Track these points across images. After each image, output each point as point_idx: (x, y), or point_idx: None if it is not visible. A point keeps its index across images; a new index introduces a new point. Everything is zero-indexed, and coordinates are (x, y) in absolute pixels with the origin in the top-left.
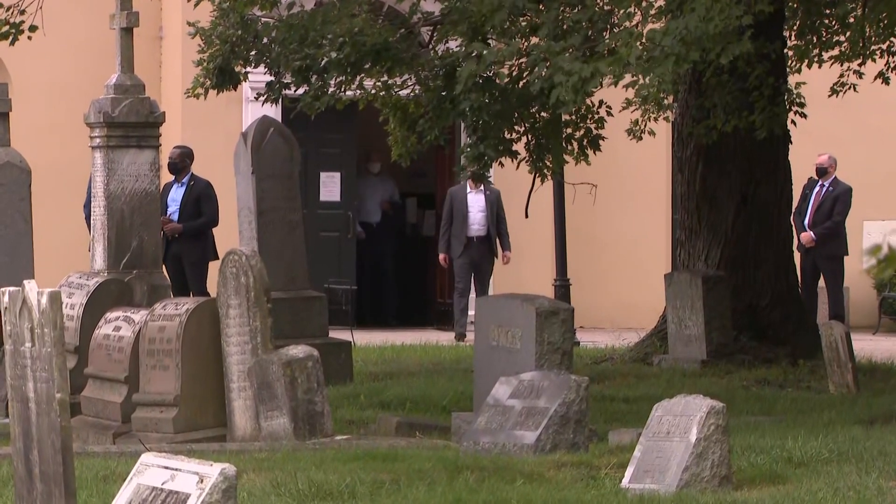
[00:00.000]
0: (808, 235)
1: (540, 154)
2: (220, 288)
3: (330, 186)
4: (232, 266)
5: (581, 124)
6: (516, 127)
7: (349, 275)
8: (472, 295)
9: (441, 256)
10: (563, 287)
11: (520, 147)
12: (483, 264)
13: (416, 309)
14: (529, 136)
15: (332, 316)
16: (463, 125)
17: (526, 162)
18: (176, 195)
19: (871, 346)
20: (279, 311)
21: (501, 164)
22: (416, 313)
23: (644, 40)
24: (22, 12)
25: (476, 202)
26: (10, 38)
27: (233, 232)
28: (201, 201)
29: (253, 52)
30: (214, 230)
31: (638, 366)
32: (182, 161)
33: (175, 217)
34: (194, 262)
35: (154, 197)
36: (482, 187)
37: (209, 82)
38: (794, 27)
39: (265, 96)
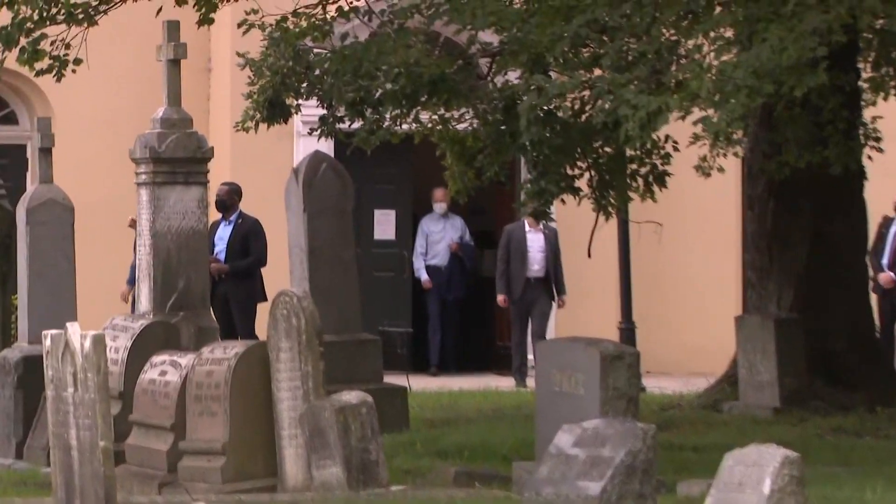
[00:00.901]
0: (887, 276)
1: (603, 191)
2: (271, 331)
3: (384, 224)
4: (283, 308)
5: (646, 160)
6: (579, 162)
7: (404, 317)
8: (529, 339)
9: (500, 298)
10: (628, 330)
11: (582, 183)
12: (542, 306)
13: (475, 352)
14: (592, 172)
15: (387, 360)
16: (523, 160)
17: (588, 199)
18: (223, 233)
19: None
20: (332, 354)
21: (563, 202)
22: (475, 357)
23: (714, 73)
24: (67, 45)
25: (535, 241)
26: (55, 71)
27: (283, 272)
28: (249, 240)
29: (305, 84)
30: (263, 270)
31: (707, 413)
32: (230, 198)
33: (222, 257)
34: (241, 303)
35: (202, 235)
36: (541, 225)
37: (259, 115)
38: (870, 59)
39: (318, 130)
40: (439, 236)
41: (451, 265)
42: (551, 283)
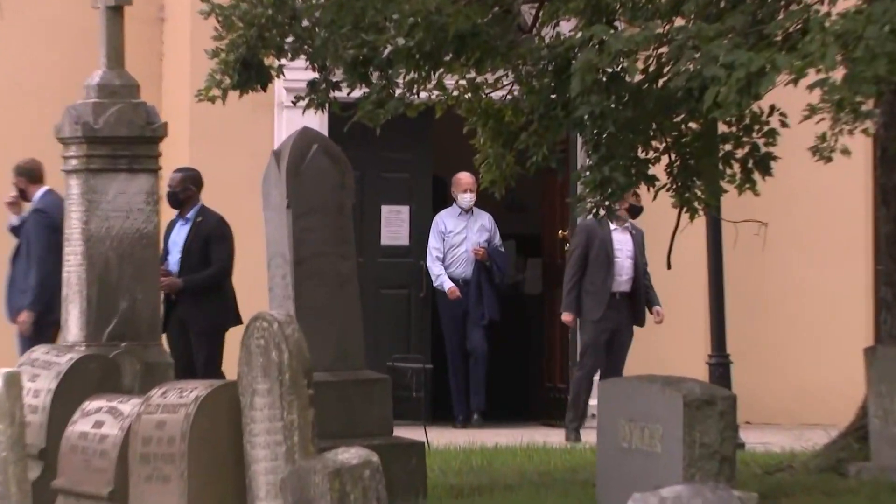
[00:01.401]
0: None
1: (687, 180)
2: (243, 367)
3: (396, 225)
4: (259, 337)
5: (745, 138)
6: (654, 142)
7: (422, 348)
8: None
9: (567, 317)
10: (720, 366)
11: (659, 170)
12: (626, 335)
13: (515, 396)
14: (672, 155)
15: (399, 406)
16: (580, 140)
17: (667, 191)
18: (178, 236)
19: None
20: (325, 399)
21: (635, 195)
22: (514, 402)
23: (837, 27)
24: None
25: (624, 245)
26: None
27: (260, 288)
28: (211, 244)
29: (289, 39)
30: (235, 286)
31: (828, 477)
32: (184, 189)
33: (175, 268)
34: (203, 330)
35: (151, 240)
36: (629, 224)
37: (229, 80)
38: None
39: (306, 100)
40: (458, 238)
41: (477, 278)
42: (640, 301)
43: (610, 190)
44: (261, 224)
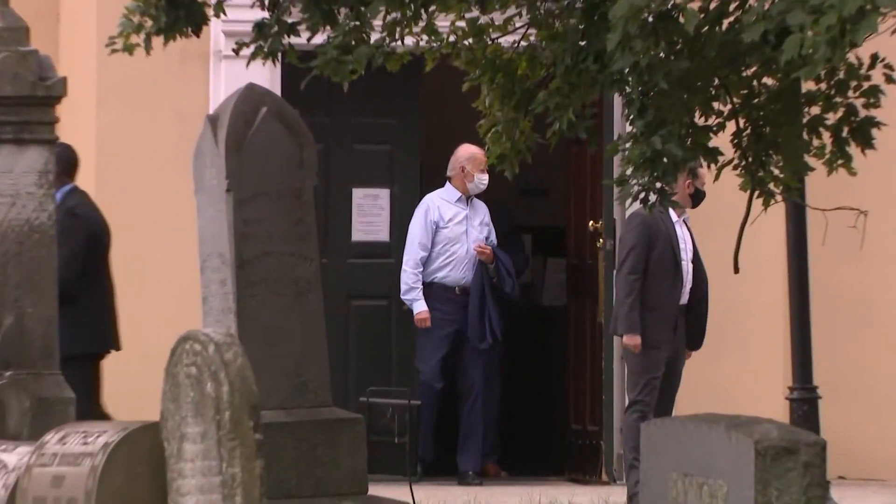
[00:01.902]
0: None
1: (760, 154)
2: (168, 404)
3: (372, 214)
4: (189, 363)
5: (838, 99)
6: (717, 103)
7: (407, 378)
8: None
9: (631, 340)
10: (805, 402)
11: (723, 141)
12: (681, 361)
13: (531, 443)
14: (741, 122)
15: (376, 454)
16: (618, 101)
17: (733, 169)
18: None
19: None
20: (278, 446)
21: (692, 174)
22: (530, 451)
23: None
24: None
25: (686, 242)
26: None
27: (191, 298)
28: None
29: None
30: (154, 294)
31: None
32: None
33: None
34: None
35: (46, 235)
36: (685, 213)
37: (150, 23)
38: None
39: (252, 48)
40: (457, 230)
41: (480, 286)
42: (701, 316)
43: (663, 166)
44: (191, 213)
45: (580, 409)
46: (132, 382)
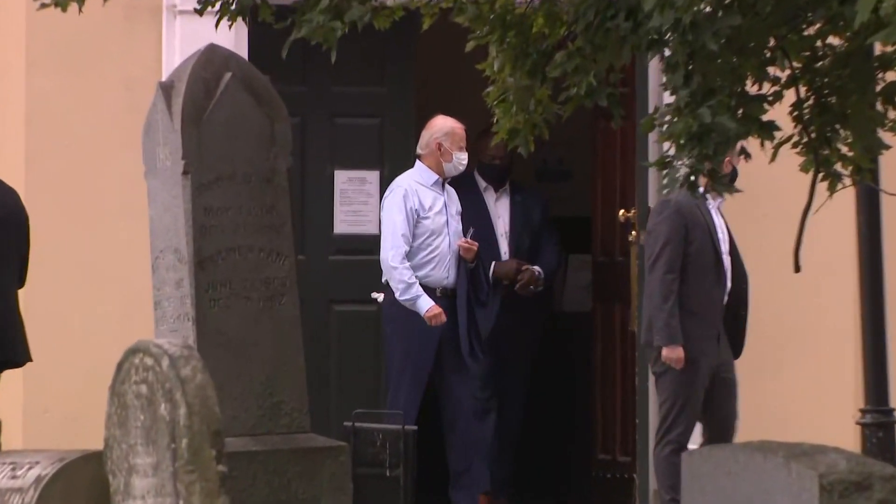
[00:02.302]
0: None
1: (825, 129)
2: (114, 430)
3: (358, 202)
4: (139, 381)
5: None
6: (773, 69)
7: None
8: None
9: (673, 352)
10: (879, 427)
11: (780, 114)
12: (732, 372)
13: (550, 475)
14: (801, 90)
15: (364, 490)
16: (657, 66)
17: (793, 146)
18: None
19: None
20: (246, 479)
21: (745, 154)
22: (548, 484)
23: None
24: None
25: (724, 233)
26: None
27: (142, 303)
28: None
29: None
30: (91, 296)
31: None
32: None
33: None
34: None
35: None
36: (721, 198)
37: None
38: None
39: (218, 6)
40: (438, 221)
41: (465, 288)
42: (741, 319)
43: (710, 148)
44: (141, 200)
45: (609, 437)
46: (69, 404)
